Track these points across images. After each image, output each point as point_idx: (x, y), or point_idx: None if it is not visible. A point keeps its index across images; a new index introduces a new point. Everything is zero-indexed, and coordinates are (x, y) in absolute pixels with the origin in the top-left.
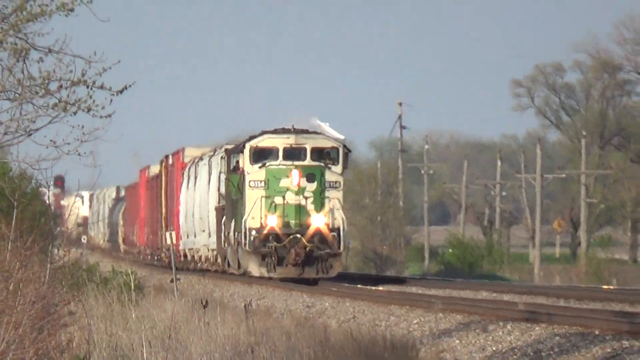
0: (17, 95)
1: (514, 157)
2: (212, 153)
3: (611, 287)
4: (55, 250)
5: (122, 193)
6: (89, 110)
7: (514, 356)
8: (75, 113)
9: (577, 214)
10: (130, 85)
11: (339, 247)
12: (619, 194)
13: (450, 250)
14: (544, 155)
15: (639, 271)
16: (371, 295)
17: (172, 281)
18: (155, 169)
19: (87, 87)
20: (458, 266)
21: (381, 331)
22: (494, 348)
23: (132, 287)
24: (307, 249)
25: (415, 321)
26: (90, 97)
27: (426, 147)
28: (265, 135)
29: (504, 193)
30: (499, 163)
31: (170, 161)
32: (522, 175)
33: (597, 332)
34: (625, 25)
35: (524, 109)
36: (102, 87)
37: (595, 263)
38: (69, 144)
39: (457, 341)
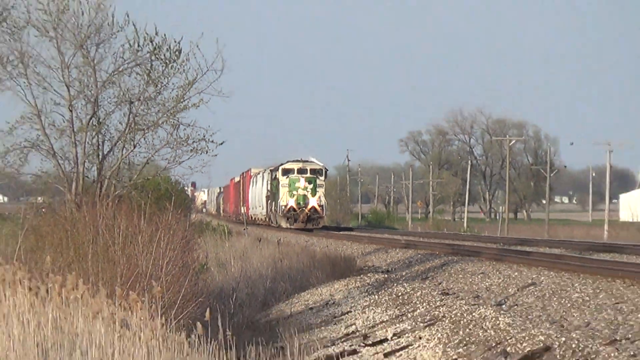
0: (173, 146)
1: (400, 173)
2: (263, 171)
3: (445, 231)
4: (191, 215)
5: (222, 190)
6: (206, 152)
7: (400, 263)
8: (200, 154)
9: (428, 199)
10: (225, 141)
11: (323, 214)
12: (446, 190)
13: (370, 215)
14: (413, 173)
15: (456, 226)
16: (335, 236)
17: (244, 229)
18: (237, 178)
19: (206, 142)
20: (374, 222)
21: (339, 252)
22: (390, 260)
23: (226, 232)
24: (308, 215)
25: (355, 248)
26: (207, 147)
27: (359, 169)
28: (289, 162)
29: (394, 189)
30: (392, 177)
31: (244, 175)
32: (403, 182)
33: (437, 253)
34: (450, 113)
35: (403, 152)
36: (212, 141)
37: (437, 221)
38: (197, 167)
39: (374, 257)
